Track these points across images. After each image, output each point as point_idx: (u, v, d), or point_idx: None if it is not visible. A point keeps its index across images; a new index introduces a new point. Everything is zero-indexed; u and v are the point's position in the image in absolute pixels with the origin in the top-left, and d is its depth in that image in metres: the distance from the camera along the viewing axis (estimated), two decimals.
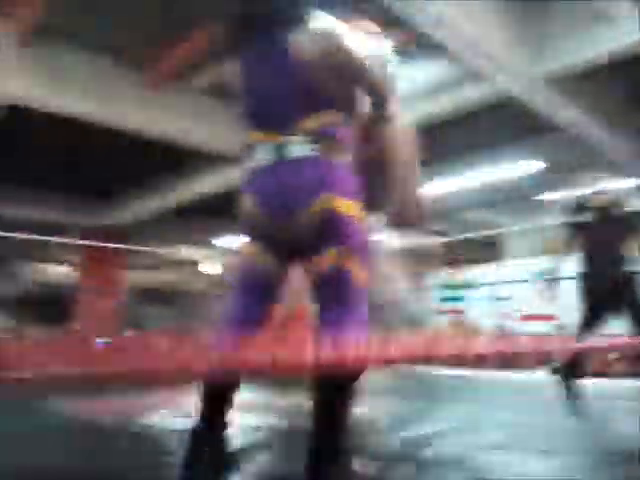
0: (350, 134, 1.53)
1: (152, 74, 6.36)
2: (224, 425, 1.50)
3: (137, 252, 12.70)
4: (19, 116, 6.17)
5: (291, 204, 1.44)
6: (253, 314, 1.51)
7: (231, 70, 1.63)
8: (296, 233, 1.45)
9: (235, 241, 10.09)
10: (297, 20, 1.46)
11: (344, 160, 1.50)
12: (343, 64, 1.46)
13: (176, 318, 16.06)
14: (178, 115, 6.79)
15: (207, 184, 8.58)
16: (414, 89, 6.12)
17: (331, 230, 1.43)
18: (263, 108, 1.54)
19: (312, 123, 1.47)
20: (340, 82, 1.49)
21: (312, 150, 1.45)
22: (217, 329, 1.52)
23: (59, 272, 15.11)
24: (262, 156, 1.51)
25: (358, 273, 1.44)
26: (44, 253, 13.96)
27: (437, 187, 8.72)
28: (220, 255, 11.84)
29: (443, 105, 6.20)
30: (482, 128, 7.20)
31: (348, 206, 1.44)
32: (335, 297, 1.42)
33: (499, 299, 9.56)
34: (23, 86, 5.62)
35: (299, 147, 1.45)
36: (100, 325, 9.71)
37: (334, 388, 1.36)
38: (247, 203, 1.54)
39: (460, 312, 10.19)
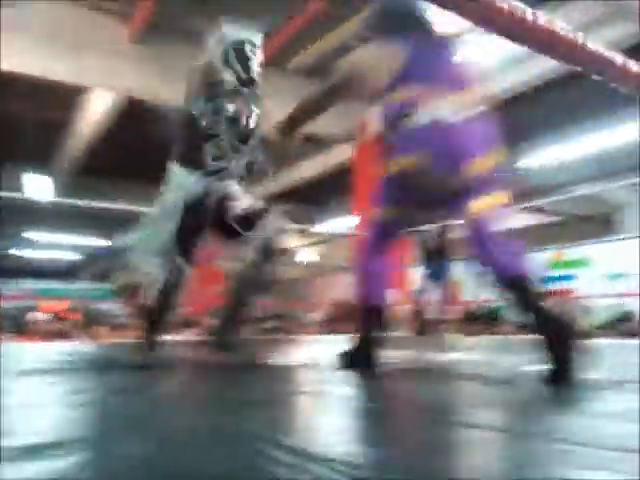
0: None
1: None
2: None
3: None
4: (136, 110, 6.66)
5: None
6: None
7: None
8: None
9: (332, 226, 10.26)
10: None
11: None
12: None
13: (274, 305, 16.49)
14: (278, 100, 6.98)
15: (306, 170, 8.76)
16: (508, 56, 5.86)
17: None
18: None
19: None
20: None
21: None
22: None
23: None
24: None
25: None
26: None
27: (540, 159, 8.27)
28: (317, 241, 12.00)
29: (545, 68, 5.85)
30: (591, 89, 6.69)
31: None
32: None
33: (614, 276, 8.88)
34: (135, 78, 6.05)
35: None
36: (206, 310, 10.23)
37: None
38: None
39: (570, 292, 9.57)
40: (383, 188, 1.99)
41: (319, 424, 1.17)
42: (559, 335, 1.59)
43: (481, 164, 1.78)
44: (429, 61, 1.89)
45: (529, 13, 1.23)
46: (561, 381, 1.54)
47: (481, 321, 8.77)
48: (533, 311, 1.67)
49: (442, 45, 1.98)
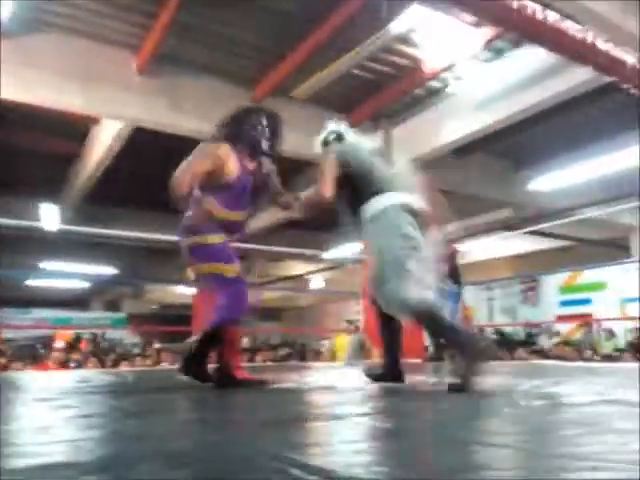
0: None
1: (260, 89, 6.71)
2: None
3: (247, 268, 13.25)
4: (141, 139, 6.77)
5: None
6: None
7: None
8: None
9: (345, 253, 10.27)
10: None
11: None
12: None
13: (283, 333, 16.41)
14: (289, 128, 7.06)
15: None
16: (516, 79, 5.94)
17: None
18: None
19: None
20: None
21: None
22: None
23: (179, 293, 16.14)
24: None
25: None
26: (165, 273, 15.02)
27: (548, 183, 8.27)
28: (329, 268, 11.99)
29: (553, 90, 5.90)
30: (597, 113, 6.76)
31: None
32: None
33: (628, 300, 8.78)
34: (144, 108, 6.17)
35: None
36: None
37: None
38: None
39: (587, 316, 9.46)
40: None
41: (337, 444, 1.17)
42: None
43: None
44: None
45: (539, 11, 1.26)
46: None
47: (501, 346, 8.67)
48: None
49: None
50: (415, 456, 1.02)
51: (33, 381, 3.37)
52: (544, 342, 10.11)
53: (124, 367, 6.91)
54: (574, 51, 1.27)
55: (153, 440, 1.16)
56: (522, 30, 1.20)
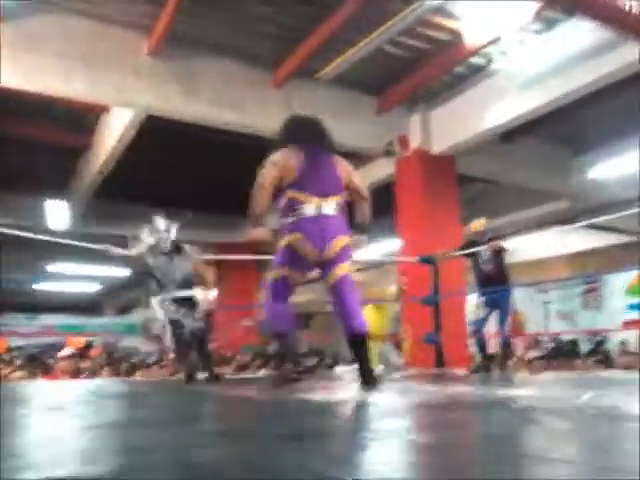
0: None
1: (281, 71, 6.74)
2: None
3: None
4: (154, 128, 6.87)
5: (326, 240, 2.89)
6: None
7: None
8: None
9: (376, 254, 10.25)
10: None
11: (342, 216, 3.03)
12: (349, 174, 3.14)
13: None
14: (309, 112, 7.07)
15: None
16: (571, 53, 5.83)
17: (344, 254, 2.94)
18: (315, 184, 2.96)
19: (337, 198, 2.99)
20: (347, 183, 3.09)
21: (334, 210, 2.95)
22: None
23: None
24: (308, 210, 2.89)
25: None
26: None
27: (610, 171, 8.09)
28: (359, 269, 11.97)
29: (613, 66, 5.76)
30: None
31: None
32: (347, 289, 2.89)
33: None
34: (157, 95, 6.26)
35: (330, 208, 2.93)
36: (237, 344, 10.33)
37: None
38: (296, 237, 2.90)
39: None
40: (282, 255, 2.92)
41: (366, 456, 1.17)
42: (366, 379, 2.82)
43: (339, 242, 2.91)
44: (318, 174, 2.95)
45: None
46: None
47: (558, 357, 8.52)
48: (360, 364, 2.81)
49: (329, 160, 3.03)
50: (459, 470, 1.02)
51: (42, 391, 3.46)
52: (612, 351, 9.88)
53: (139, 377, 7.05)
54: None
55: (169, 452, 1.19)
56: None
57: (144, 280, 4.68)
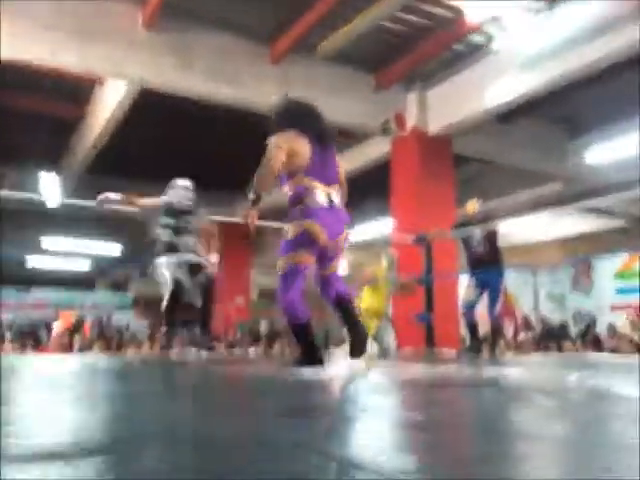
0: None
1: (279, 46, 6.66)
2: None
3: (264, 250, 13.35)
4: (148, 102, 6.80)
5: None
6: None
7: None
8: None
9: (370, 233, 10.25)
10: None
11: None
12: (341, 166, 3.22)
13: None
14: (308, 88, 7.00)
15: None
16: (571, 33, 5.77)
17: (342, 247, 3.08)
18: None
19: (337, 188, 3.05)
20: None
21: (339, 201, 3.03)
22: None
23: None
24: (321, 199, 2.91)
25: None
26: None
27: (606, 154, 8.08)
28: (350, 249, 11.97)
29: (614, 46, 5.72)
30: None
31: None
32: (339, 280, 3.10)
33: None
34: (151, 68, 6.18)
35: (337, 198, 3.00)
36: (229, 322, 10.37)
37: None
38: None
39: None
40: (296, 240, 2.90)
41: (362, 434, 1.18)
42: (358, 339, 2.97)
43: (343, 236, 3.01)
44: (325, 162, 2.99)
45: None
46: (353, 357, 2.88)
47: (548, 339, 8.60)
48: (351, 323, 2.99)
49: (331, 148, 3.07)
50: (446, 445, 1.03)
51: (33, 365, 3.47)
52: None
53: (131, 352, 7.08)
54: None
55: (161, 423, 1.19)
56: None
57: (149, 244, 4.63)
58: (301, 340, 2.86)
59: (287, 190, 2.94)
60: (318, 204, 2.85)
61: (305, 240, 2.82)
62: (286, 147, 2.85)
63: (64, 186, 9.37)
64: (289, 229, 2.86)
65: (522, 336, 10.05)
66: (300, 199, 2.85)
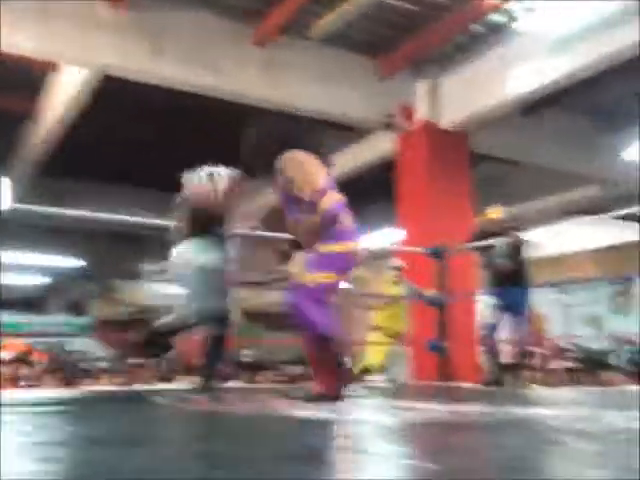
0: None
1: (261, 28, 6.70)
2: None
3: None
4: (111, 91, 6.81)
5: None
6: None
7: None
8: None
9: (375, 243, 10.27)
10: None
11: None
12: None
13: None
14: (301, 73, 7.02)
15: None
16: (607, 12, 5.83)
17: None
18: None
19: None
20: None
21: None
22: None
23: (161, 293, 16.29)
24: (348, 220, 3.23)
25: None
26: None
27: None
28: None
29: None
30: None
31: None
32: None
33: None
34: (118, 52, 6.20)
35: None
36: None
37: None
38: None
39: None
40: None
41: None
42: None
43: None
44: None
45: None
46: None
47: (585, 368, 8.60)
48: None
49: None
50: None
51: None
52: None
53: (88, 386, 7.03)
54: None
55: (130, 475, 1.18)
56: None
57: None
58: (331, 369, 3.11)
59: (313, 207, 3.14)
60: (348, 225, 3.19)
61: (342, 260, 3.16)
62: (316, 162, 3.20)
63: (13, 190, 9.38)
64: (330, 247, 3.12)
65: (552, 365, 10.06)
66: (336, 217, 3.12)
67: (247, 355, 12.73)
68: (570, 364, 9.81)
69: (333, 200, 3.11)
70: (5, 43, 5.84)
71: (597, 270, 12.41)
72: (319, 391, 3.07)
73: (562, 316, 12.46)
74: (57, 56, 6.42)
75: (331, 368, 3.10)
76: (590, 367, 9.11)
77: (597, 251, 12.42)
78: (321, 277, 3.08)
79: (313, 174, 3.15)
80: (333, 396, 3.03)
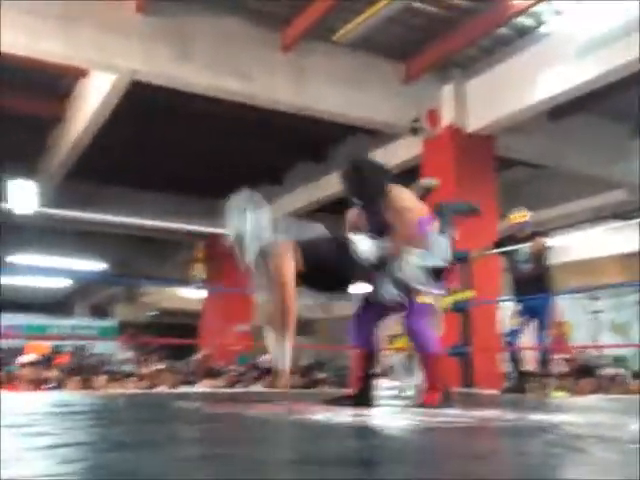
0: None
1: (288, 33, 6.73)
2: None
3: None
4: (140, 97, 6.89)
5: None
6: None
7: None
8: None
9: None
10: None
11: None
12: None
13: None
14: (326, 78, 7.04)
15: None
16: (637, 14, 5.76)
17: None
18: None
19: None
20: None
21: None
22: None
23: (183, 296, 16.40)
24: None
25: None
26: (166, 271, 15.29)
27: None
28: None
29: None
30: None
31: None
32: None
33: None
34: (145, 58, 6.27)
35: None
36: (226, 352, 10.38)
37: None
38: None
39: None
40: None
41: None
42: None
43: None
44: None
45: None
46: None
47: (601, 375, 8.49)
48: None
49: None
50: None
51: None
52: None
53: (114, 389, 7.10)
54: None
55: (151, 477, 1.20)
56: None
57: None
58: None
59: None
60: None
61: None
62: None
63: (40, 195, 9.52)
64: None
65: (576, 372, 9.91)
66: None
67: (266, 360, 12.73)
68: (593, 372, 9.66)
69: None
70: (31, 48, 5.94)
71: (624, 276, 12.22)
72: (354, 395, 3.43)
73: (588, 322, 12.29)
74: (85, 62, 6.51)
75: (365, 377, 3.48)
76: (617, 375, 8.96)
77: (625, 256, 12.24)
78: (428, 300, 3.49)
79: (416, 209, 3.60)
80: (366, 402, 3.33)
